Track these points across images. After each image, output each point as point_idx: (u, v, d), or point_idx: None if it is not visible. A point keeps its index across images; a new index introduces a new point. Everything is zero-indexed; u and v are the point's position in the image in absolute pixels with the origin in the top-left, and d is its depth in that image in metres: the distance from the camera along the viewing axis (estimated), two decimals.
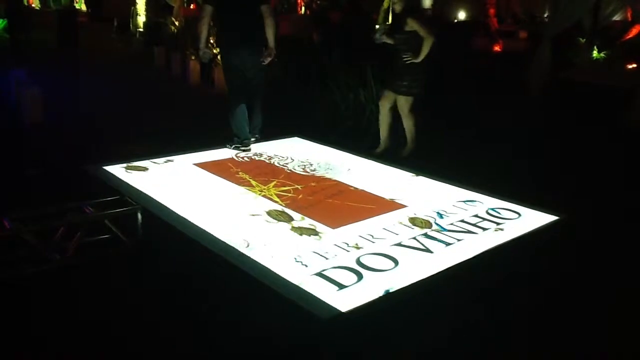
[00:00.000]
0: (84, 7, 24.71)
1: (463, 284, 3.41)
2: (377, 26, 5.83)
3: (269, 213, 4.25)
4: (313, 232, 3.95)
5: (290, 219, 4.14)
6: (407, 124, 5.90)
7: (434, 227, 4.11)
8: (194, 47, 10.54)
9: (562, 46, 11.39)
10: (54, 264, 3.36)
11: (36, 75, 7.86)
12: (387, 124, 5.95)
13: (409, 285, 3.30)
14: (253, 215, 4.24)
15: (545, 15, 19.08)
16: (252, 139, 6.06)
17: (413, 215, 4.30)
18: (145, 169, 5.21)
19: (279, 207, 4.37)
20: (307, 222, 4.10)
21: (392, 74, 5.75)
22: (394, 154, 5.91)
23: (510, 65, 11.82)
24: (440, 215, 4.34)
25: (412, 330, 2.93)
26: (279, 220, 4.12)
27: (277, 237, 3.85)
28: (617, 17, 14.64)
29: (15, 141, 5.88)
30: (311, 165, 5.59)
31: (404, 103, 5.74)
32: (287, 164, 5.62)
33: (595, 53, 13.49)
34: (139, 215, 3.69)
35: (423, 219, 4.24)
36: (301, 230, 3.97)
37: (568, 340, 2.95)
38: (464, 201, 4.68)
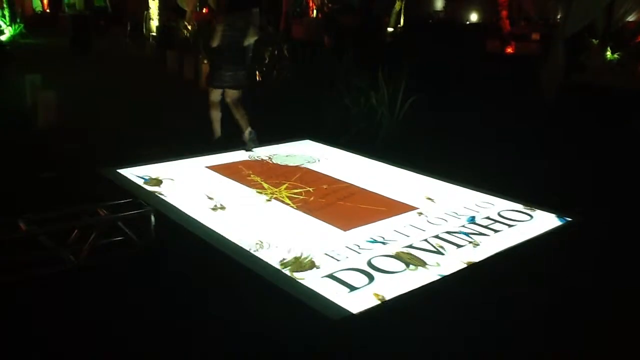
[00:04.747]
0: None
1: (474, 286, 3.40)
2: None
3: (399, 256, 3.70)
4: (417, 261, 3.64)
5: (424, 263, 3.62)
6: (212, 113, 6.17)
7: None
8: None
9: (575, 48, 11.33)
10: (68, 265, 3.39)
11: (51, 79, 7.95)
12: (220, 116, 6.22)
13: (420, 287, 3.31)
14: (264, 217, 4.27)
15: (558, 17, 18.97)
16: None
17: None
18: (157, 172, 5.24)
19: (405, 249, 3.80)
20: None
21: None
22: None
23: (523, 68, 11.78)
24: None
25: (423, 332, 2.93)
26: (415, 265, 3.58)
27: (287, 239, 3.87)
28: (630, 18, 14.53)
29: (30, 144, 5.95)
30: (322, 167, 5.61)
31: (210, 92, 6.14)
32: (298, 166, 5.64)
33: (608, 54, 13.41)
34: (152, 218, 3.72)
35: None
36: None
37: (580, 342, 2.94)
38: (475, 203, 4.69)
